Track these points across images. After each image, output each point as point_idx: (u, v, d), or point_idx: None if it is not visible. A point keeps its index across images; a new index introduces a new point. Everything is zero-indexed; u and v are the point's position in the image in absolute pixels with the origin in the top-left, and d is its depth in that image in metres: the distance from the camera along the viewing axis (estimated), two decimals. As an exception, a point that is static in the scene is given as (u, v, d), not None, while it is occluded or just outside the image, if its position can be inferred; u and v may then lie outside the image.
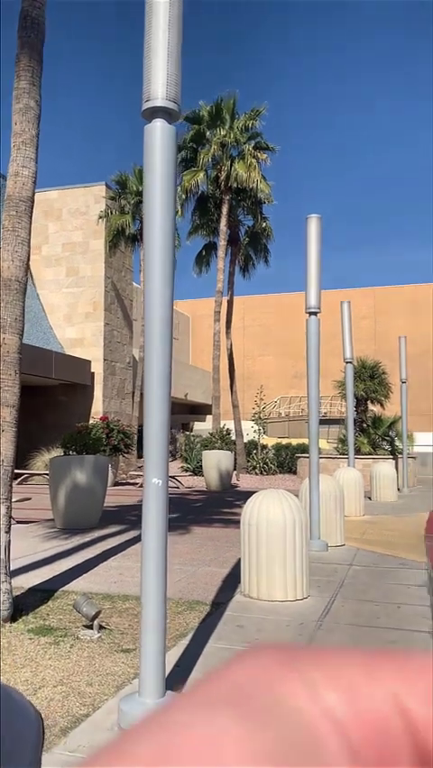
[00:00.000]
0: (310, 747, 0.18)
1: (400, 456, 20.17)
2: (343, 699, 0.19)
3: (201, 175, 23.76)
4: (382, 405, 23.45)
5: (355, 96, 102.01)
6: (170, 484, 17.41)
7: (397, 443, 22.03)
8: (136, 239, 24.22)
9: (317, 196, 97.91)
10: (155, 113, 3.49)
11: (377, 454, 21.65)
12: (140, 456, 23.13)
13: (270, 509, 5.74)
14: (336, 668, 0.20)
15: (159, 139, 3.48)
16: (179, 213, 24.24)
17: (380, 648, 0.22)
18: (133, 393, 25.13)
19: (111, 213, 23.88)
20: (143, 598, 3.39)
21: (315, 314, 8.30)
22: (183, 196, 23.91)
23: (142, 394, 3.74)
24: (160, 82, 3.47)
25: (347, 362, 14.32)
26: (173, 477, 19.18)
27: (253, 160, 23.20)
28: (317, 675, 0.20)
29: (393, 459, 20.41)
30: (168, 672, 3.71)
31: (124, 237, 24.22)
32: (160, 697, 3.33)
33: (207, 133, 23.99)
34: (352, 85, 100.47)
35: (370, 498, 15.15)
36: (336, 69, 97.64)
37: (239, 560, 6.08)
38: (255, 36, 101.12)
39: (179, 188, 22.78)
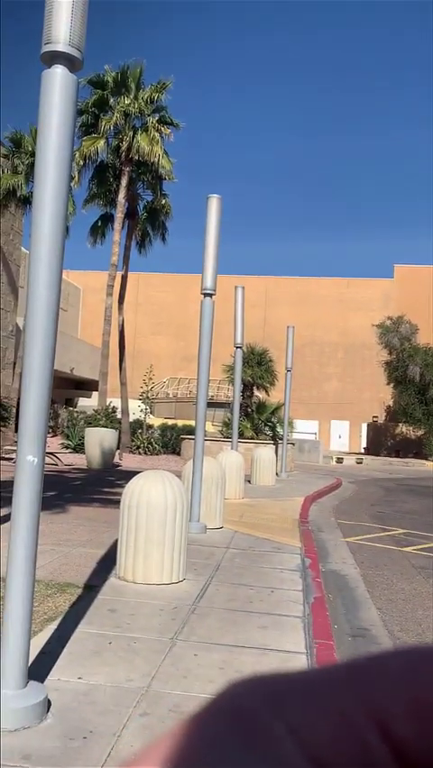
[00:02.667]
0: None
1: (280, 442, 20.78)
2: (325, 737, 0.19)
3: (102, 143, 22.95)
4: (267, 391, 24.03)
5: (266, 82, 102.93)
6: (48, 461, 16.83)
7: (278, 429, 22.69)
8: (28, 201, 23.01)
9: (218, 178, 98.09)
10: (55, 58, 3.20)
11: (259, 439, 22.19)
12: (17, 431, 22.14)
13: (152, 491, 5.61)
14: (316, 695, 0.21)
15: (58, 87, 3.19)
16: (76, 179, 23.31)
17: (363, 657, 0.22)
18: (15, 364, 24.03)
19: (3, 172, 22.51)
20: (9, 581, 3.15)
21: (210, 295, 8.22)
22: (81, 163, 22.99)
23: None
24: (63, 25, 3.18)
25: (237, 347, 14.45)
26: (51, 453, 18.56)
27: (157, 134, 22.72)
28: (297, 711, 0.20)
29: (274, 444, 21.00)
30: (32, 658, 3.50)
31: (14, 198, 22.92)
32: (21, 688, 3.11)
33: (111, 100, 23.18)
34: (265, 70, 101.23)
35: (250, 482, 15.47)
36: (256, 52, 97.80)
37: (116, 541, 5.92)
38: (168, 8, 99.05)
39: (76, 153, 21.86)
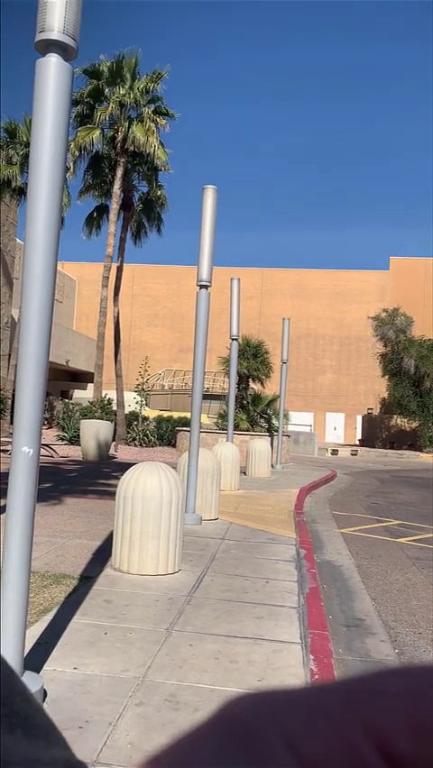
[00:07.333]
0: None
1: (275, 434, 20.81)
2: (321, 749, 0.20)
3: (97, 133, 22.82)
4: (262, 383, 24.04)
5: (263, 76, 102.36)
6: (44, 452, 16.83)
7: (273, 421, 22.72)
8: (23, 192, 22.90)
9: (214, 169, 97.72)
10: (49, 46, 3.17)
11: (254, 431, 22.22)
12: (13, 422, 22.15)
13: (147, 483, 5.62)
14: (315, 711, 0.21)
15: (52, 76, 3.16)
16: (71, 170, 23.18)
17: (362, 675, 0.23)
18: (10, 356, 23.97)
19: (-3, 161, 22.38)
20: (4, 572, 3.15)
21: (206, 287, 8.20)
22: (76, 153, 22.85)
23: (16, 355, 3.46)
24: (57, 13, 3.15)
25: (233, 339, 14.44)
26: (47, 445, 18.56)
27: (152, 125, 22.59)
28: (295, 726, 0.21)
29: (269, 436, 21.04)
30: (28, 649, 3.52)
31: (9, 189, 22.81)
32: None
33: (106, 90, 23.02)
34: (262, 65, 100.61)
35: (245, 474, 15.51)
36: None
37: (112, 533, 5.93)
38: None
39: (71, 144, 21.71)
